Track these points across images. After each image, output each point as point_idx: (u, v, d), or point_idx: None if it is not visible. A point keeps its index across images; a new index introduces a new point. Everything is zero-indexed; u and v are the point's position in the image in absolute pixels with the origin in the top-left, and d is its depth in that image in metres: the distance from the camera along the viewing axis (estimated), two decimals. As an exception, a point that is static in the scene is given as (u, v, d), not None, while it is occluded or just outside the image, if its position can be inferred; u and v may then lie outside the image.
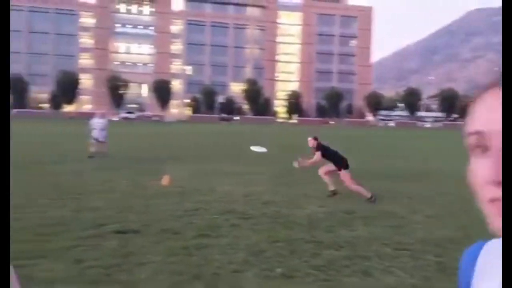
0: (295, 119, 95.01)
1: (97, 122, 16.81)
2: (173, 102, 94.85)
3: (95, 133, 16.55)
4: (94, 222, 6.71)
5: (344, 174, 9.13)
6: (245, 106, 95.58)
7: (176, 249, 5.52)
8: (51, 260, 4.98)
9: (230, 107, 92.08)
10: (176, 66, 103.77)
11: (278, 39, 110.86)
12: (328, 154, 9.38)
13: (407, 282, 4.72)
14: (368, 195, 8.92)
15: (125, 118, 74.90)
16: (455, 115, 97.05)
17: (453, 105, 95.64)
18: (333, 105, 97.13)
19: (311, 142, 9.52)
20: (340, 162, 9.23)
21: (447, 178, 12.89)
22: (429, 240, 6.27)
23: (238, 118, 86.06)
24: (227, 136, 34.47)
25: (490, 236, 0.65)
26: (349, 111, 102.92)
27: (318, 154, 9.28)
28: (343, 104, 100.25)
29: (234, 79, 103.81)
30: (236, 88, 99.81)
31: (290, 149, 19.14)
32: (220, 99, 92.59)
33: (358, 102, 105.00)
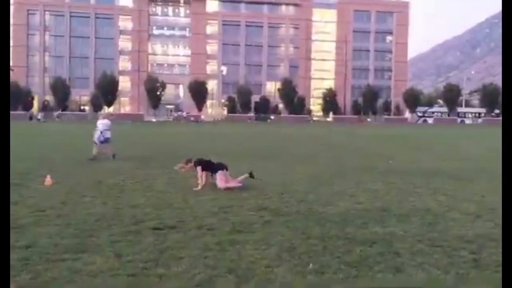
0: (330, 118, 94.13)
1: (100, 123, 16.22)
2: (209, 102, 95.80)
3: (96, 135, 15.97)
4: (133, 219, 6.98)
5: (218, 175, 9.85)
6: (280, 105, 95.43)
7: (211, 244, 5.68)
8: (93, 254, 5.23)
9: (265, 106, 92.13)
10: (212, 66, 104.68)
11: (313, 37, 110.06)
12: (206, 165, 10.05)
13: (440, 278, 4.70)
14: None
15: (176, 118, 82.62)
16: (497, 111, 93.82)
17: (495, 100, 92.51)
18: (369, 102, 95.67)
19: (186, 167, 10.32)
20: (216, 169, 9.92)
21: (485, 176, 12.61)
22: (465, 237, 6.19)
23: (273, 117, 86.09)
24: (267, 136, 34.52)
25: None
26: (386, 108, 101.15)
27: (199, 169, 9.96)
28: (380, 101, 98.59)
29: (269, 78, 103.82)
30: (271, 87, 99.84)
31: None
32: (256, 98, 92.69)
33: (396, 99, 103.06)
